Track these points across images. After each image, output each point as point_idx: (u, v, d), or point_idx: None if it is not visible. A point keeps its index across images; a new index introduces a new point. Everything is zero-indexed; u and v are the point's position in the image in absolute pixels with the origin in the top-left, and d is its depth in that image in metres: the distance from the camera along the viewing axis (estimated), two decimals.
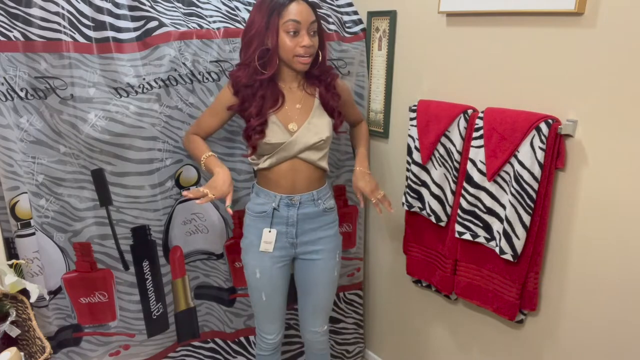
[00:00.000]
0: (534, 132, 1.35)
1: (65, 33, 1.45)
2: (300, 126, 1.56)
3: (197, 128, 1.64)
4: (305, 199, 1.62)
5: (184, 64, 1.62)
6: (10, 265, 1.43)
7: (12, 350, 1.28)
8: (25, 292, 1.39)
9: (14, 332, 1.37)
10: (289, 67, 1.53)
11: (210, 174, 1.55)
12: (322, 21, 1.59)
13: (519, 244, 1.44)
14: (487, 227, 1.54)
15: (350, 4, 1.94)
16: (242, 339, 2.02)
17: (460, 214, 1.59)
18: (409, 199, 1.78)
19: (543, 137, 1.34)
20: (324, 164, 1.63)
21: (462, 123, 1.56)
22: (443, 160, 1.65)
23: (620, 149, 1.26)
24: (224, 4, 1.73)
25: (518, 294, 1.51)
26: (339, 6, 1.91)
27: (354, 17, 1.93)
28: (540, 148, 1.35)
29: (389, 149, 1.98)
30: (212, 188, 1.47)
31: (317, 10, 1.52)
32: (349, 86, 1.81)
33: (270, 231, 1.62)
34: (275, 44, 1.47)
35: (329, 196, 1.69)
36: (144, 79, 1.56)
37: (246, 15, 1.76)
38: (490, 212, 1.52)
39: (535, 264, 1.47)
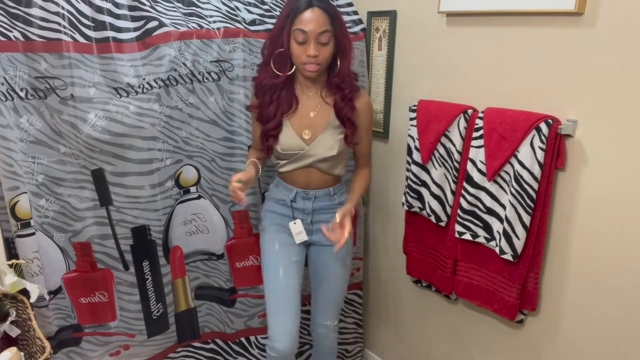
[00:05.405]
0: (534, 132, 1.35)
1: (65, 33, 1.45)
2: (315, 137, 1.59)
3: (253, 141, 1.74)
4: (321, 194, 1.67)
5: (184, 64, 1.62)
6: (10, 265, 1.42)
7: (12, 350, 1.28)
8: (25, 292, 1.39)
9: (14, 332, 1.37)
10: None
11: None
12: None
13: (519, 244, 1.44)
14: (487, 227, 1.54)
15: (350, 4, 1.94)
16: (242, 339, 2.02)
17: (460, 214, 1.59)
18: (409, 199, 1.78)
19: (543, 137, 1.34)
20: (338, 171, 1.66)
21: (462, 123, 1.56)
22: (443, 160, 1.65)
23: (620, 149, 1.26)
24: (224, 4, 1.73)
25: (518, 294, 1.50)
26: (339, 6, 1.91)
27: (354, 17, 1.93)
28: (540, 148, 1.35)
29: (389, 149, 1.98)
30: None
31: (336, 18, 1.50)
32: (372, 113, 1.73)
33: (295, 223, 1.67)
34: (287, 48, 1.51)
35: (343, 191, 1.73)
36: (144, 79, 1.56)
37: (246, 15, 1.76)
38: (490, 212, 1.52)
39: (535, 264, 1.47)
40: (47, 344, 1.29)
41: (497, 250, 1.50)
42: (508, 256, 1.46)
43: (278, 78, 1.55)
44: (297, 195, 1.66)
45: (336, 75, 1.57)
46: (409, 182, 1.77)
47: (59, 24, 1.44)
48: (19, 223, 1.52)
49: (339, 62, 1.56)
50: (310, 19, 1.45)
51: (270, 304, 1.67)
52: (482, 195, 1.53)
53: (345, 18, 1.91)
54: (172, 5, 1.65)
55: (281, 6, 1.83)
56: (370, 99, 1.77)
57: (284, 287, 1.65)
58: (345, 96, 1.59)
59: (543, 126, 1.34)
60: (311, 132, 1.59)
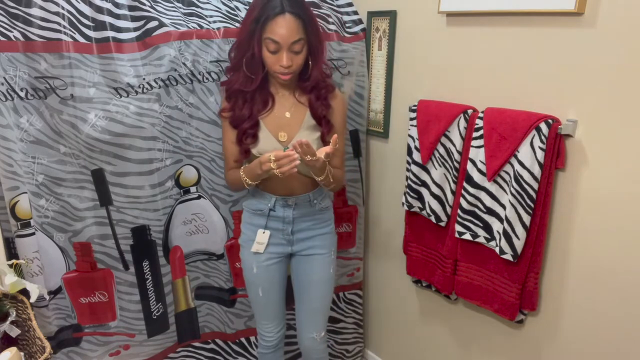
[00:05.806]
0: (534, 132, 1.35)
1: (65, 33, 1.45)
2: (291, 138, 1.55)
3: (227, 161, 1.64)
4: (301, 200, 1.62)
5: (184, 64, 1.62)
6: (10, 265, 1.42)
7: (12, 350, 1.28)
8: (25, 292, 1.39)
9: (14, 332, 1.37)
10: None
11: (264, 171, 1.45)
12: (321, 25, 1.52)
13: (519, 244, 1.44)
14: (487, 227, 1.54)
15: (350, 4, 1.94)
16: (242, 339, 2.02)
17: (460, 214, 1.59)
18: (409, 199, 1.78)
19: (543, 137, 1.34)
20: None
21: (462, 123, 1.56)
22: (443, 160, 1.65)
23: (620, 149, 1.26)
24: (224, 4, 1.73)
25: (518, 294, 1.50)
26: (339, 6, 1.91)
27: (354, 17, 1.93)
28: (540, 148, 1.35)
29: (389, 149, 1.98)
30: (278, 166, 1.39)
31: (310, 23, 1.45)
32: (345, 110, 1.69)
33: (264, 232, 1.63)
34: (259, 54, 1.47)
35: (324, 196, 1.69)
36: (144, 79, 1.56)
37: None
38: (490, 212, 1.52)
39: (535, 264, 1.47)
40: (47, 344, 1.29)
41: (497, 250, 1.50)
42: (508, 256, 1.46)
43: (251, 83, 1.51)
44: (276, 204, 1.61)
45: (307, 80, 1.55)
46: (409, 182, 1.77)
47: (59, 24, 1.44)
48: (19, 223, 1.52)
49: (310, 66, 1.52)
50: (282, 27, 1.39)
51: (255, 312, 1.80)
52: (482, 195, 1.52)
53: (345, 18, 1.92)
54: (172, 5, 1.65)
55: None
56: (345, 96, 1.69)
57: (265, 303, 1.73)
58: (321, 95, 1.57)
59: (543, 126, 1.34)
60: (287, 133, 1.56)
